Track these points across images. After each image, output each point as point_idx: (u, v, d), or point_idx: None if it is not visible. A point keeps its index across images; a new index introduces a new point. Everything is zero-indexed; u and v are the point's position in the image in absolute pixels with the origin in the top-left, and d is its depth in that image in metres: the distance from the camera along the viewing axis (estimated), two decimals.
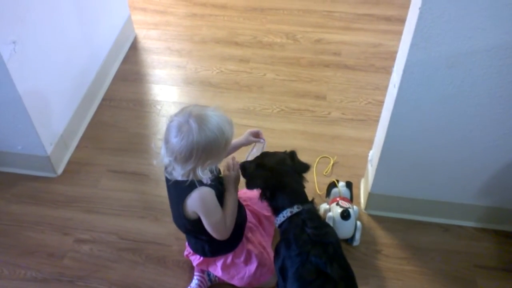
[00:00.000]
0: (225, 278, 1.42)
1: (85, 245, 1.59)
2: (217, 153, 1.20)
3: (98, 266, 1.54)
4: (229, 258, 1.39)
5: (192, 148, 1.15)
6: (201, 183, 1.23)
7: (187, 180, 1.22)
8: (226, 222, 1.29)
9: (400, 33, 1.30)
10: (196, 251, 1.41)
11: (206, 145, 1.15)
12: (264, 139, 1.47)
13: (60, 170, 1.82)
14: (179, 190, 1.25)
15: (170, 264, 1.54)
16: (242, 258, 1.39)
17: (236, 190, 1.35)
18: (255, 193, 1.54)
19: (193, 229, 1.32)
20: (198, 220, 1.27)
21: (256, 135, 1.47)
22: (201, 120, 1.15)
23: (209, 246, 1.37)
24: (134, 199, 1.73)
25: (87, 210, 1.70)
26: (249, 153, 1.49)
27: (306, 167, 1.36)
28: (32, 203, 1.72)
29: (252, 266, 1.38)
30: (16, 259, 1.55)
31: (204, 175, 1.22)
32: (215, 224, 1.27)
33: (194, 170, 1.20)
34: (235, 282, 1.41)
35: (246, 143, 1.47)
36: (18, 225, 1.65)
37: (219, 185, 1.31)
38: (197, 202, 1.23)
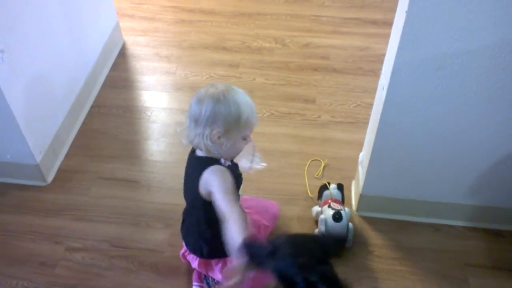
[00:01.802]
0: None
1: (77, 253, 1.58)
2: (224, 125, 1.18)
3: (90, 274, 1.53)
4: (229, 260, 1.37)
5: (201, 108, 1.18)
6: (218, 163, 1.23)
7: (208, 157, 1.24)
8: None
9: (387, 36, 1.32)
10: (194, 251, 1.38)
11: (213, 110, 1.17)
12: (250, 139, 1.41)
13: (50, 179, 1.81)
14: (199, 163, 1.24)
15: (164, 271, 1.53)
16: None
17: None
18: (256, 201, 1.54)
19: (199, 206, 1.26)
20: (207, 203, 1.22)
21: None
22: (224, 91, 1.18)
23: (208, 248, 1.34)
24: (125, 206, 1.72)
25: (78, 218, 1.68)
26: (251, 163, 1.44)
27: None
28: (22, 212, 1.70)
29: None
30: (7, 269, 1.54)
31: (214, 148, 1.21)
32: (226, 191, 1.18)
33: (203, 136, 1.20)
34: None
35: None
36: (8, 235, 1.63)
37: (237, 177, 1.29)
38: (215, 173, 1.20)
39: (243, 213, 1.17)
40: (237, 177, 1.28)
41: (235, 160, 1.37)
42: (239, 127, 1.20)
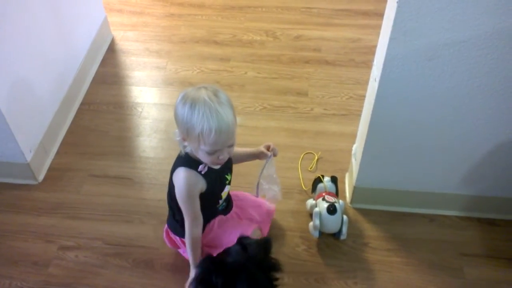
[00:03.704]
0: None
1: (70, 252, 1.56)
2: (181, 130, 1.19)
3: (84, 272, 1.51)
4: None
5: (176, 105, 1.19)
6: (193, 166, 1.24)
7: (186, 157, 1.25)
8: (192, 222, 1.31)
9: (378, 27, 1.31)
10: (170, 227, 1.45)
11: (176, 111, 1.18)
12: (271, 154, 1.44)
13: (41, 177, 1.79)
14: (176, 159, 1.29)
15: (158, 267, 1.52)
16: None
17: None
18: (251, 197, 1.53)
19: (172, 203, 1.36)
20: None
21: (268, 148, 1.45)
22: (199, 98, 1.15)
23: (180, 227, 1.37)
24: (118, 203, 1.71)
25: (71, 217, 1.67)
26: (261, 172, 1.46)
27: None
28: (13, 211, 1.68)
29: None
30: None
31: (183, 149, 1.24)
32: (181, 199, 1.29)
33: (175, 134, 1.23)
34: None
35: (256, 156, 1.46)
36: None
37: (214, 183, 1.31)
38: (177, 176, 1.26)
39: (194, 227, 1.31)
40: (214, 182, 1.30)
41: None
42: (195, 139, 1.16)
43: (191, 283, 1.28)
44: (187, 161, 1.26)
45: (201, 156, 1.22)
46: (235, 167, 1.42)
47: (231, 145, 1.23)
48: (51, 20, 1.85)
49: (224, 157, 1.22)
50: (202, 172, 1.26)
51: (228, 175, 1.37)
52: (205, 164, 1.25)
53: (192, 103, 1.15)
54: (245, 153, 1.46)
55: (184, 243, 1.40)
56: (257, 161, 1.47)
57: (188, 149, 1.25)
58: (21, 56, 1.65)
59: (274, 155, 1.47)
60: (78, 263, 1.53)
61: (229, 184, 1.39)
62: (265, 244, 1.21)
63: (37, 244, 1.59)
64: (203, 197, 1.30)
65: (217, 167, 1.30)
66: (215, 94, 1.17)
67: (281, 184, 1.52)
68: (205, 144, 1.16)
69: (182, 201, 1.29)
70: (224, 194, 1.39)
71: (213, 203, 1.38)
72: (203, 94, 1.15)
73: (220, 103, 1.15)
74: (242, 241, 1.23)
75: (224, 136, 1.16)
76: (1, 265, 1.53)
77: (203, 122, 1.13)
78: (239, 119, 1.24)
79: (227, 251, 1.25)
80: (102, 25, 2.33)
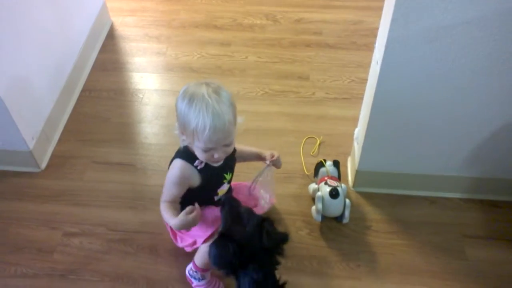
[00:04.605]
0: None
1: (74, 238, 1.58)
2: (179, 123, 1.19)
3: (89, 258, 1.53)
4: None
5: (175, 103, 1.19)
6: (191, 160, 1.24)
7: (184, 150, 1.25)
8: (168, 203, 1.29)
9: (380, 9, 1.29)
10: None
11: (176, 104, 1.18)
12: (269, 163, 1.41)
13: (43, 165, 1.79)
14: (176, 151, 1.30)
15: (162, 252, 1.53)
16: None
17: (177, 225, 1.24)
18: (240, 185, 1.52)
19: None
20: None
21: (272, 157, 1.42)
22: (198, 93, 1.14)
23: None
24: (121, 190, 1.71)
25: (74, 203, 1.67)
26: (256, 176, 1.44)
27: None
28: (17, 199, 1.69)
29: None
30: (4, 257, 1.53)
31: (181, 142, 1.24)
32: (166, 185, 1.30)
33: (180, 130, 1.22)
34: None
35: (259, 158, 1.43)
36: (4, 222, 1.62)
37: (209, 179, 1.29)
38: (172, 167, 1.27)
39: (168, 209, 1.28)
40: (209, 179, 1.29)
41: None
42: (191, 134, 1.15)
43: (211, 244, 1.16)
44: (185, 154, 1.26)
45: (197, 152, 1.21)
46: (238, 165, 1.41)
47: (228, 145, 1.19)
48: (50, 6, 1.83)
49: (219, 156, 1.20)
50: (198, 168, 1.25)
51: (227, 174, 1.34)
52: (202, 162, 1.24)
53: (190, 98, 1.14)
54: (250, 152, 1.43)
55: (180, 235, 1.40)
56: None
57: (185, 143, 1.24)
58: (20, 44, 1.64)
59: (276, 166, 1.44)
60: (82, 249, 1.55)
61: (228, 183, 1.37)
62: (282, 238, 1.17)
63: (42, 231, 1.60)
64: (196, 190, 1.29)
65: (215, 164, 1.28)
66: (216, 92, 1.14)
67: (275, 196, 1.53)
68: (199, 140, 1.15)
69: (167, 184, 1.28)
70: (221, 192, 1.37)
71: (208, 197, 1.36)
72: (203, 90, 1.14)
73: (219, 101, 1.13)
74: (265, 225, 1.14)
75: (219, 135, 1.14)
76: (6, 252, 1.55)
77: (199, 118, 1.11)
78: (240, 119, 1.22)
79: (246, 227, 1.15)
80: (101, 10, 2.31)
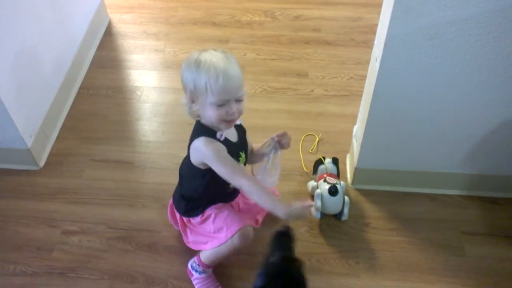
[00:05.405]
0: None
1: (73, 236, 1.57)
2: (188, 89, 1.18)
3: (88, 256, 1.52)
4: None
5: (181, 76, 1.20)
6: (211, 135, 1.22)
7: (202, 127, 1.23)
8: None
9: (379, 6, 1.29)
10: (177, 207, 1.43)
11: (182, 74, 1.19)
12: (274, 138, 1.33)
13: (42, 163, 1.79)
14: (194, 130, 1.27)
15: (161, 250, 1.53)
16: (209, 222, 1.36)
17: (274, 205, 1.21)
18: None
19: (187, 168, 1.32)
20: (193, 167, 1.27)
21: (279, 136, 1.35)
22: (201, 55, 1.16)
23: (185, 205, 1.38)
24: (120, 188, 1.71)
25: (73, 202, 1.67)
26: (267, 163, 1.34)
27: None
28: (16, 197, 1.69)
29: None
30: (3, 255, 1.53)
31: (193, 115, 1.23)
32: (218, 165, 1.21)
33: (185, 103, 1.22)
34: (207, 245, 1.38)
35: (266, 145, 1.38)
36: (2, 221, 1.62)
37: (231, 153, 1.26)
38: (206, 146, 1.21)
39: (250, 178, 1.23)
40: (231, 154, 1.25)
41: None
42: (203, 91, 1.15)
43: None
44: (204, 130, 1.23)
45: (210, 113, 1.17)
46: None
47: (240, 100, 1.19)
48: (48, 4, 1.82)
49: (233, 112, 1.17)
50: (221, 139, 1.23)
51: (242, 152, 1.32)
52: (222, 133, 1.23)
53: (197, 58, 1.16)
54: (258, 149, 1.40)
55: (183, 222, 1.41)
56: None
57: (195, 110, 1.21)
58: (18, 41, 1.63)
59: (283, 145, 1.35)
60: (81, 248, 1.54)
61: (244, 164, 1.35)
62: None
63: (40, 229, 1.60)
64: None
65: (231, 136, 1.27)
66: (222, 52, 1.19)
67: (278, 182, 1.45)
68: (213, 93, 1.14)
69: (214, 162, 1.20)
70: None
71: (224, 184, 1.28)
72: (209, 53, 1.17)
73: (227, 57, 1.17)
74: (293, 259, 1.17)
75: (232, 83, 1.14)
76: (5, 250, 1.54)
77: (210, 70, 1.13)
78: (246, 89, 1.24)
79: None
80: (99, 7, 2.30)
